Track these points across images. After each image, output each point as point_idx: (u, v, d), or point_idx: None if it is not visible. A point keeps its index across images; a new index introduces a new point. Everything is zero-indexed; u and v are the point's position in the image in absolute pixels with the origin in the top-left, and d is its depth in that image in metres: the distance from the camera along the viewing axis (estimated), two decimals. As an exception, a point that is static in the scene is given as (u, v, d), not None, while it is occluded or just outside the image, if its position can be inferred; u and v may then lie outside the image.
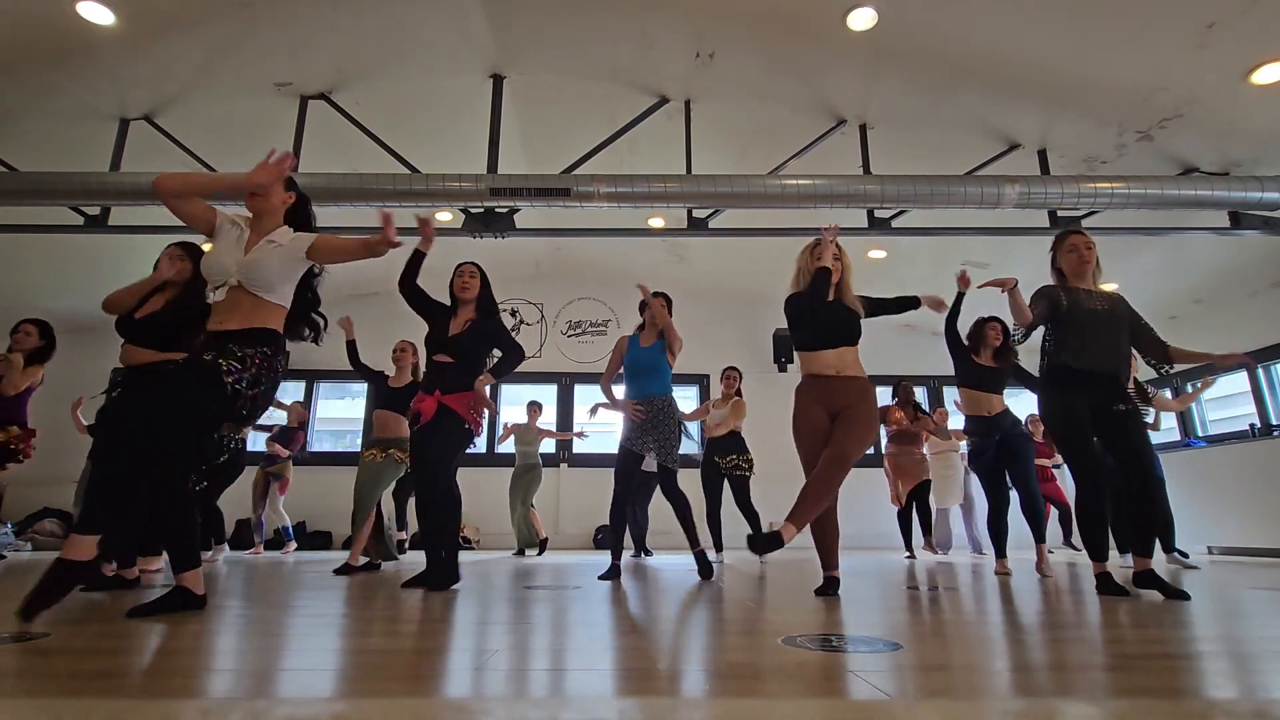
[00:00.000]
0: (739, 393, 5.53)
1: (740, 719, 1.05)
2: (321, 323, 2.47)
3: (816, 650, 1.50)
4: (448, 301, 3.40)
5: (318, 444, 8.44)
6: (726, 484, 5.28)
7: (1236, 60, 3.92)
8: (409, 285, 3.35)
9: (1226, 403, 7.35)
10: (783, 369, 8.29)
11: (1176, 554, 4.58)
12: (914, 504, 5.80)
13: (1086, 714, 1.06)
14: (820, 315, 2.95)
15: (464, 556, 5.88)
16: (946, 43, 4.12)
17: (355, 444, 8.39)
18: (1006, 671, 1.38)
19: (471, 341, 3.24)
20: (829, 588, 2.73)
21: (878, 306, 3.12)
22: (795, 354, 3.08)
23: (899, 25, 3.99)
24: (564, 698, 1.16)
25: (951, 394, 6.25)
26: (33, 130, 4.90)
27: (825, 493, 2.70)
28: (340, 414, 9.91)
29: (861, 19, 3.95)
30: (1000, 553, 4.02)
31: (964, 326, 4.27)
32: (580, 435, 7.19)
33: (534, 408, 6.79)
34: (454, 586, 2.99)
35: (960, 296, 4.04)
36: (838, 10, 3.91)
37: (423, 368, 4.56)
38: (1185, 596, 2.57)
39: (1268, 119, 4.37)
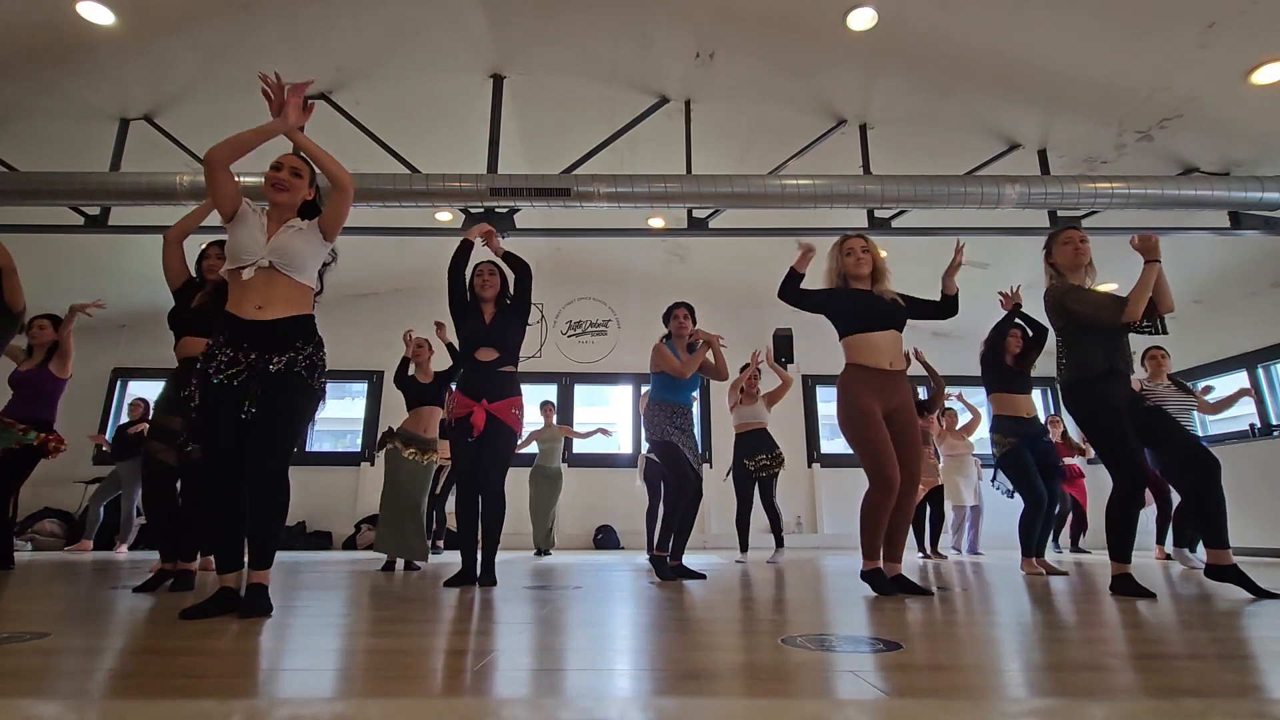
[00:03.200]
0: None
1: (740, 719, 1.05)
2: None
3: (816, 650, 1.50)
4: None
5: (317, 444, 8.44)
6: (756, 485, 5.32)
7: (1236, 60, 3.93)
8: (456, 274, 3.42)
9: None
10: (783, 369, 8.28)
11: (1187, 552, 4.61)
12: (927, 506, 5.80)
13: (1087, 714, 1.06)
14: (860, 302, 2.93)
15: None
16: (946, 43, 4.12)
17: (355, 444, 8.38)
18: (1007, 671, 1.38)
19: (507, 326, 3.38)
20: (886, 584, 2.70)
21: (916, 309, 3.03)
22: (842, 342, 2.98)
23: (899, 25, 3.99)
24: (564, 697, 1.16)
25: (952, 393, 6.26)
26: (33, 130, 4.90)
27: (910, 518, 2.87)
28: (340, 414, 9.92)
29: (861, 19, 3.95)
30: (1029, 551, 4.01)
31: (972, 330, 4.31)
32: (606, 433, 7.19)
33: (548, 407, 6.81)
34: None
35: (1015, 309, 4.27)
36: (838, 10, 3.91)
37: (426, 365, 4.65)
38: (1276, 596, 2.49)
39: (1268, 119, 4.37)
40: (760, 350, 5.66)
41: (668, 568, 3.55)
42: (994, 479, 4.64)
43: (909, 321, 3.03)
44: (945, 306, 3.07)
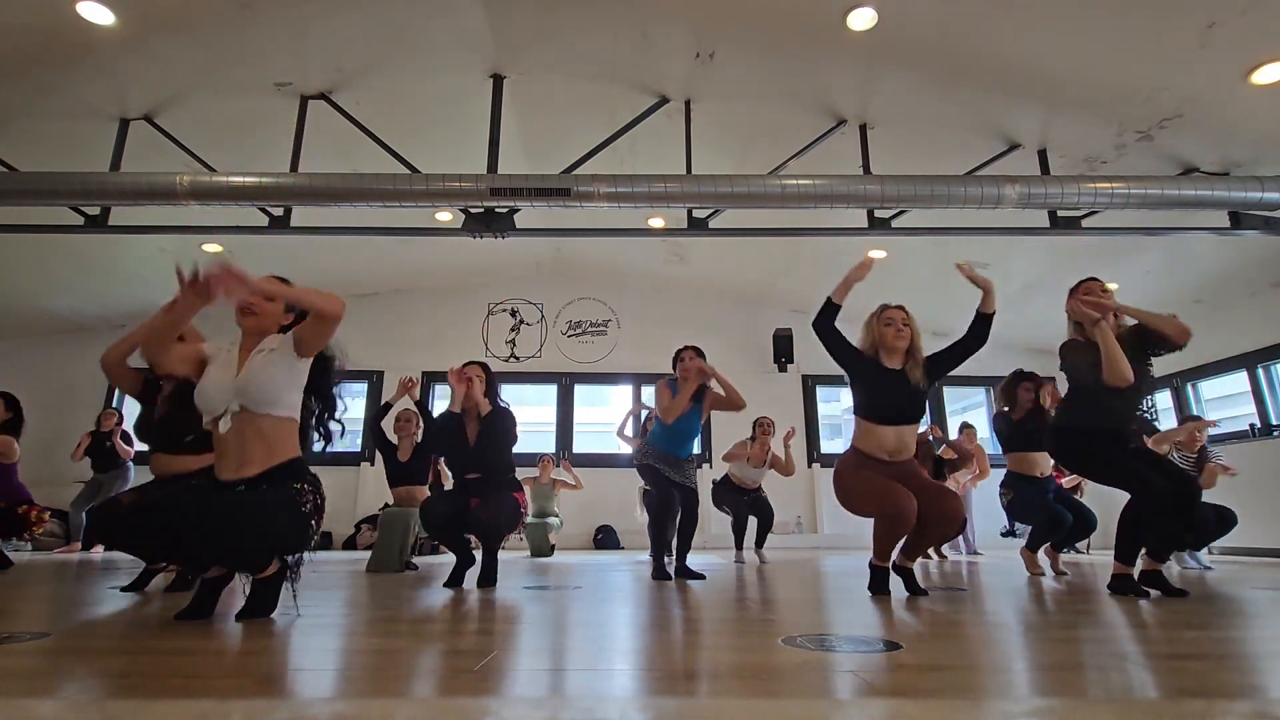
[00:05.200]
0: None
1: (740, 719, 1.05)
2: (339, 429, 2.31)
3: (816, 650, 1.50)
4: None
5: (318, 444, 8.42)
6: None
7: (1236, 60, 3.92)
8: (378, 428, 3.56)
9: (1226, 403, 7.35)
10: (782, 369, 8.29)
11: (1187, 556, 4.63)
12: None
13: (1086, 714, 1.05)
14: (882, 385, 2.78)
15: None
16: (946, 42, 4.11)
17: (355, 444, 8.39)
18: (1007, 671, 1.38)
19: (491, 450, 3.27)
20: (884, 585, 2.73)
21: (941, 362, 2.86)
22: (854, 416, 2.89)
23: (899, 25, 3.99)
24: (564, 697, 1.16)
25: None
26: (33, 130, 4.90)
27: (935, 541, 2.87)
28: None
29: (861, 19, 3.94)
30: (1034, 546, 4.02)
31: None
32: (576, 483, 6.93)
33: (547, 461, 6.74)
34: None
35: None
36: (838, 10, 3.90)
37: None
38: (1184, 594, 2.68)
39: (1268, 119, 4.37)
40: (786, 431, 5.60)
41: (661, 568, 3.60)
42: (1010, 530, 4.57)
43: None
44: (977, 331, 2.86)
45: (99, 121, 4.88)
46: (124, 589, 2.79)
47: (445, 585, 3.11)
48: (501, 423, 3.30)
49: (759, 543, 5.35)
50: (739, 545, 5.31)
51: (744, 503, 5.34)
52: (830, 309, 2.90)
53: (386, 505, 4.74)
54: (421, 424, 4.56)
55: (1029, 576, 3.73)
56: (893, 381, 2.79)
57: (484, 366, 3.44)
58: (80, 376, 7.49)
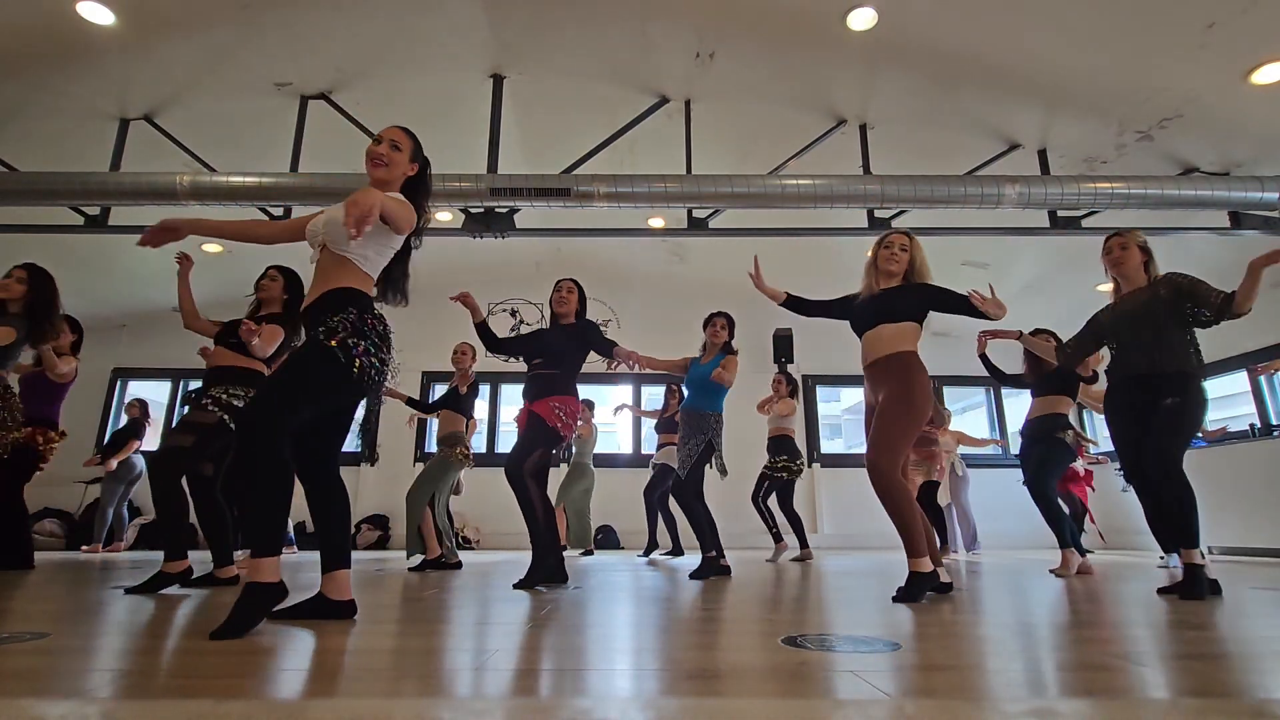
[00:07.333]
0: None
1: (740, 719, 1.05)
2: (400, 293, 2.47)
3: (816, 650, 1.50)
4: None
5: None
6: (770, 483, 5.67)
7: (1236, 60, 3.93)
8: (492, 344, 3.69)
9: (1226, 403, 7.35)
10: (782, 369, 8.28)
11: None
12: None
13: (1086, 713, 1.05)
14: (860, 307, 2.93)
15: (464, 556, 5.88)
16: (947, 43, 4.12)
17: (355, 444, 8.38)
18: (1007, 671, 1.38)
19: (561, 344, 3.50)
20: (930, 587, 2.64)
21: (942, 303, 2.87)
22: None
23: (899, 25, 3.99)
24: (564, 697, 1.16)
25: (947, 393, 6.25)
26: (33, 130, 4.90)
27: (897, 511, 2.60)
28: (340, 414, 9.86)
29: (861, 19, 3.95)
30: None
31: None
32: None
33: (585, 408, 6.78)
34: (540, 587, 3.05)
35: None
36: (838, 10, 3.91)
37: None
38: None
39: (1268, 119, 4.37)
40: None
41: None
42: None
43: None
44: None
45: (99, 121, 4.89)
46: (129, 590, 2.79)
47: (515, 586, 3.05)
48: (582, 332, 3.62)
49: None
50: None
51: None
52: (786, 302, 3.24)
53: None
54: (476, 356, 4.70)
55: (1022, 575, 3.73)
56: (870, 300, 2.89)
57: (575, 282, 3.72)
58: (80, 376, 7.49)
